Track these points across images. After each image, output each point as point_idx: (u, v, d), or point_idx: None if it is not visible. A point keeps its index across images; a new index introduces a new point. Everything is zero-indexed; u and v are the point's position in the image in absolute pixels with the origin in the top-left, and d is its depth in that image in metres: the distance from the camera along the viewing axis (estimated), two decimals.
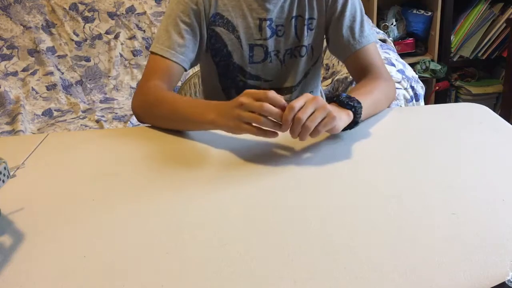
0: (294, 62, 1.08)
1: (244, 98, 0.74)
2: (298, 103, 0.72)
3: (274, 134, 0.76)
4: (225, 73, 1.10)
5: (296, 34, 1.04)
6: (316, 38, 1.06)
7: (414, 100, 1.55)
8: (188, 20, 0.99)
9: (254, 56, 1.05)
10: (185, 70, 1.01)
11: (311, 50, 1.08)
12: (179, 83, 1.66)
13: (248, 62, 1.06)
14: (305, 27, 1.03)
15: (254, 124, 0.75)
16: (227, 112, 0.77)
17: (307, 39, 1.05)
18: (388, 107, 0.97)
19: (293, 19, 1.03)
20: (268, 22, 1.02)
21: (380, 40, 1.82)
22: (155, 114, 0.93)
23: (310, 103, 0.72)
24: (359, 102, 0.81)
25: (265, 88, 1.10)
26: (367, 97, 0.87)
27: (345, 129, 0.81)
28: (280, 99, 0.73)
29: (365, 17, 1.03)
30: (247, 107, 0.73)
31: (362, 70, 0.99)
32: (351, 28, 1.00)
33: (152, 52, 0.99)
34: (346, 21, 1.00)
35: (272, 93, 0.73)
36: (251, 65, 1.06)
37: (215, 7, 1.01)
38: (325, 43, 1.11)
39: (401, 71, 1.57)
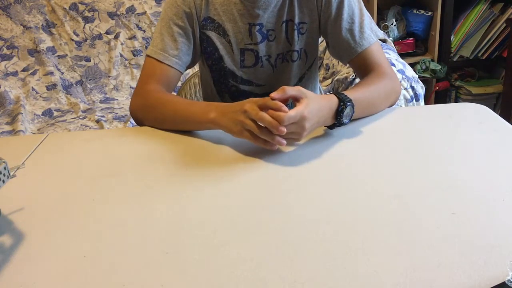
0: (286, 67, 1.07)
1: (248, 105, 0.76)
2: (288, 119, 0.73)
3: (273, 146, 0.78)
4: (218, 77, 1.10)
5: (287, 38, 1.04)
6: (308, 42, 1.05)
7: (414, 100, 1.55)
8: (181, 23, 0.99)
9: (245, 60, 1.05)
10: (181, 73, 1.02)
11: (304, 55, 1.07)
12: (179, 83, 1.66)
13: (240, 67, 1.06)
14: (295, 32, 1.02)
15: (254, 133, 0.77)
16: (230, 115, 0.80)
17: (298, 44, 1.04)
18: (391, 106, 0.97)
19: (284, 24, 1.02)
20: (258, 27, 1.02)
21: (380, 40, 1.82)
22: (155, 116, 0.94)
23: (301, 121, 0.74)
24: (351, 104, 0.83)
25: (257, 93, 1.10)
26: (362, 92, 0.88)
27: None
28: (281, 106, 0.74)
29: (366, 16, 1.01)
30: (249, 115, 0.76)
31: (366, 70, 0.99)
32: (351, 31, 0.98)
33: (147, 55, 1.00)
34: (345, 24, 0.98)
35: (274, 101, 0.75)
36: (242, 69, 1.06)
37: (206, 11, 1.01)
38: (324, 45, 1.10)
39: (401, 71, 1.57)
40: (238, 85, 1.09)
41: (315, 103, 0.77)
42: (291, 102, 0.79)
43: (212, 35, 1.03)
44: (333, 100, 0.81)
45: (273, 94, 0.75)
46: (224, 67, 1.07)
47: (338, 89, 1.70)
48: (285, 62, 1.07)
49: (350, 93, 0.84)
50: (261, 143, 0.77)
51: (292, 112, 0.73)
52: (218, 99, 1.14)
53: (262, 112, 0.74)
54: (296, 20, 1.02)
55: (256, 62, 1.05)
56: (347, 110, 0.82)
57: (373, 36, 1.00)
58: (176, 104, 0.91)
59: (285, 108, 0.74)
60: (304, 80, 1.12)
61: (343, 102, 0.81)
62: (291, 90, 0.76)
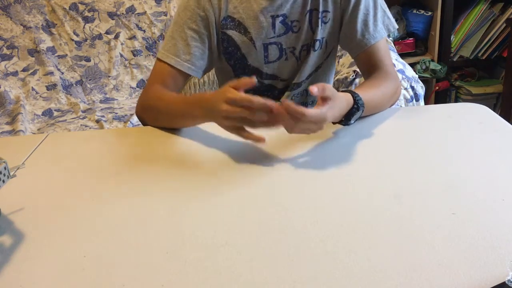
0: (308, 57, 1.06)
1: (228, 107, 0.72)
2: (312, 115, 0.71)
3: (262, 141, 0.75)
4: (241, 75, 1.09)
5: (311, 28, 1.02)
6: (330, 31, 1.04)
7: (414, 100, 1.55)
8: (195, 26, 0.98)
9: (269, 55, 1.04)
10: (197, 78, 1.01)
11: (325, 44, 1.06)
12: None
13: (264, 63, 1.05)
14: (319, 21, 1.01)
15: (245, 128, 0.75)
16: (215, 114, 0.76)
17: (320, 33, 1.03)
18: (391, 106, 0.98)
19: (308, 13, 1.01)
20: (281, 18, 1.00)
21: None
22: (154, 115, 0.95)
23: (321, 122, 0.72)
24: (362, 109, 0.83)
25: (280, 87, 1.10)
26: (371, 94, 0.88)
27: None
28: (265, 103, 0.71)
29: (380, 9, 1.00)
30: (235, 115, 0.73)
31: (371, 67, 0.99)
32: (365, 22, 0.98)
33: (158, 58, 1.00)
34: (361, 15, 0.98)
35: (258, 101, 0.71)
36: (267, 65, 1.05)
37: (226, 11, 1.00)
38: None
39: (401, 71, 1.57)
40: (262, 81, 1.08)
41: (338, 105, 0.77)
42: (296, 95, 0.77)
43: (233, 34, 1.02)
44: (349, 101, 0.82)
45: (313, 89, 0.70)
46: (248, 65, 1.06)
47: (338, 89, 1.70)
48: (308, 53, 1.06)
49: (362, 94, 0.84)
50: (253, 139, 0.75)
51: (314, 112, 0.71)
52: None
53: (251, 97, 0.71)
54: (320, 9, 1.01)
55: (280, 55, 1.04)
56: (357, 114, 0.83)
57: (384, 31, 1.00)
58: (168, 101, 0.91)
59: (268, 103, 0.71)
60: (320, 70, 1.11)
61: (357, 105, 0.82)
62: (328, 90, 0.73)
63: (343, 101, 0.79)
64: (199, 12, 0.98)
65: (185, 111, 0.87)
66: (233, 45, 1.03)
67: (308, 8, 1.01)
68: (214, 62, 1.06)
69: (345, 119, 0.83)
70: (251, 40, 1.02)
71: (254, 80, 0.73)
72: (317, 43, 1.04)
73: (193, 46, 0.98)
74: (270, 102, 0.71)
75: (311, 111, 0.70)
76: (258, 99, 0.70)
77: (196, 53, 0.99)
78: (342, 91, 0.82)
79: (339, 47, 1.10)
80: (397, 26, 1.03)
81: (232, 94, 0.72)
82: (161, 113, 0.92)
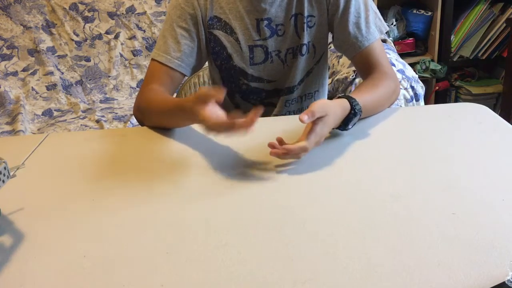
0: (295, 62, 1.07)
1: (208, 129, 0.71)
2: (311, 146, 0.73)
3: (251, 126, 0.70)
4: (227, 77, 1.10)
5: (296, 32, 1.03)
6: (317, 36, 1.05)
7: (414, 100, 1.55)
8: (185, 25, 0.99)
9: (255, 57, 1.05)
10: (186, 75, 1.02)
11: (313, 48, 1.06)
12: None
13: (249, 64, 1.06)
14: (305, 25, 1.02)
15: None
16: (196, 121, 0.78)
17: (306, 37, 1.04)
18: (389, 106, 0.98)
19: (293, 18, 1.02)
20: (266, 22, 1.01)
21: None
22: (148, 115, 0.96)
23: (313, 146, 0.74)
24: (359, 114, 0.83)
25: (267, 89, 1.10)
26: (369, 97, 0.88)
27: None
28: (245, 122, 0.67)
29: (371, 11, 1.01)
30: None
31: (368, 67, 0.99)
32: (357, 25, 0.99)
33: (151, 58, 1.01)
34: (352, 18, 0.99)
35: (239, 123, 0.67)
36: (252, 66, 1.06)
37: (212, 11, 1.01)
38: (329, 40, 1.09)
39: (401, 71, 1.57)
40: (248, 83, 1.09)
41: (332, 118, 0.77)
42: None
43: (220, 34, 1.02)
44: (346, 108, 0.81)
45: (303, 118, 0.71)
46: (234, 65, 1.06)
47: (338, 89, 1.70)
48: (295, 57, 1.06)
49: (359, 97, 0.84)
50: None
51: (294, 146, 0.72)
52: (227, 100, 1.13)
53: (226, 127, 0.68)
54: (305, 13, 1.01)
55: (266, 58, 1.05)
56: (355, 119, 0.83)
57: (377, 32, 1.01)
58: (159, 103, 0.92)
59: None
60: (312, 75, 1.11)
61: (354, 110, 0.81)
62: (318, 113, 0.73)
63: (337, 111, 0.79)
64: (188, 10, 0.99)
65: (173, 114, 0.88)
66: (220, 45, 1.04)
67: (293, 12, 1.02)
68: (203, 61, 1.06)
69: (343, 125, 0.83)
70: (237, 41, 1.03)
71: (223, 93, 0.69)
72: (304, 47, 1.05)
73: (183, 44, 0.99)
74: (250, 117, 0.67)
75: (293, 147, 0.72)
76: (238, 122, 0.67)
77: (186, 51, 1.00)
78: (339, 97, 0.82)
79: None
80: (388, 28, 1.03)
81: (208, 124, 0.69)
82: (154, 113, 0.93)
